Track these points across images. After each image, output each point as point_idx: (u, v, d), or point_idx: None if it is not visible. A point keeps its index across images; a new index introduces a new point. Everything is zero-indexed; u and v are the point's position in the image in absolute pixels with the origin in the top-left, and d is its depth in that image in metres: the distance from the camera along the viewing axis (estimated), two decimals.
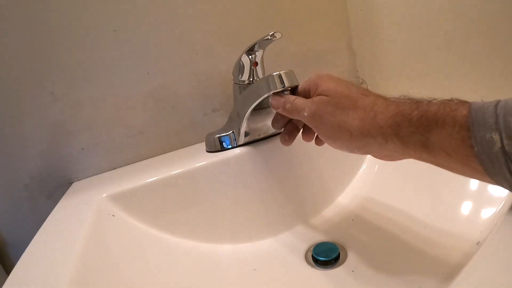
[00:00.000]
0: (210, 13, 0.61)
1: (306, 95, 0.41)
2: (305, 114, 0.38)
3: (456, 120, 0.26)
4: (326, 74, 0.39)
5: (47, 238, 0.38)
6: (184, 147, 0.63)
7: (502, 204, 0.40)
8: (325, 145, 0.55)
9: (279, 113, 0.45)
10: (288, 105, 0.41)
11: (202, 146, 0.57)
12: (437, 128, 0.27)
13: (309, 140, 0.46)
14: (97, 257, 0.36)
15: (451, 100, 0.28)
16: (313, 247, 0.47)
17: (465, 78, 0.56)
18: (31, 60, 0.51)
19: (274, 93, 0.44)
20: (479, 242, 0.38)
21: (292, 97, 0.41)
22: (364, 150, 0.35)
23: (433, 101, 0.29)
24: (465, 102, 0.27)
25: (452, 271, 0.37)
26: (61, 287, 0.28)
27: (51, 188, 0.56)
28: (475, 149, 0.25)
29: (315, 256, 0.45)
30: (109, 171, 0.58)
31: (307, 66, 0.71)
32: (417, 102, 0.30)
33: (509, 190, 0.26)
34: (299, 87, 0.43)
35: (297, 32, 0.69)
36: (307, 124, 0.40)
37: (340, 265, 0.44)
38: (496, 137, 0.24)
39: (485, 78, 0.53)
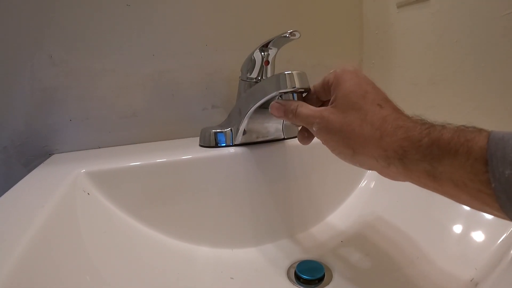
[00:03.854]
0: (227, 8, 0.59)
1: (326, 90, 0.39)
2: (314, 129, 0.37)
3: (471, 152, 0.24)
4: (351, 70, 0.37)
5: (9, 204, 0.34)
6: (176, 138, 0.60)
7: (503, 237, 0.38)
8: (324, 160, 0.53)
9: None
10: (290, 115, 0.39)
11: (196, 140, 0.55)
12: (448, 157, 0.26)
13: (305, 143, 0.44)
14: (59, 232, 0.32)
15: (467, 127, 0.26)
16: (297, 263, 0.44)
17: (474, 113, 0.54)
18: (34, 17, 0.50)
19: (277, 98, 0.42)
20: (473, 279, 0.36)
21: (294, 104, 0.39)
22: (365, 167, 0.35)
23: (448, 127, 0.27)
24: (483, 130, 0.25)
25: None
26: (10, 260, 0.24)
27: (29, 156, 0.54)
28: (492, 185, 0.23)
29: (298, 273, 0.42)
30: (94, 149, 0.56)
31: (313, 81, 0.69)
32: (429, 128, 0.28)
33: None
34: (323, 79, 0.40)
35: (310, 43, 0.67)
36: (316, 136, 0.39)
37: (324, 286, 0.41)
38: None
39: (495, 115, 0.52)
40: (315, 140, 0.41)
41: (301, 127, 0.43)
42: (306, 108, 0.38)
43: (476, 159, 0.24)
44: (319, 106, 0.38)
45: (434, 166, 0.27)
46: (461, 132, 0.26)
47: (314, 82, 0.41)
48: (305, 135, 0.43)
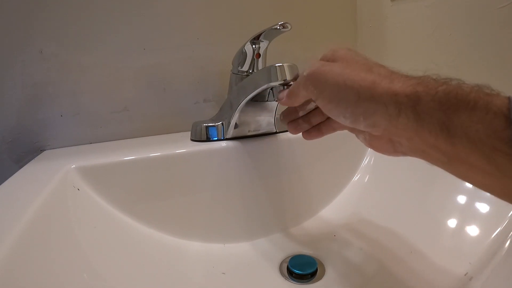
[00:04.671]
0: (219, 0, 0.59)
1: None
2: (304, 74, 0.33)
3: (491, 106, 0.22)
4: (346, 47, 0.35)
5: None
6: (168, 132, 0.60)
7: (497, 231, 0.37)
8: (317, 154, 0.53)
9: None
10: (288, 92, 0.37)
11: (187, 134, 0.54)
12: (466, 110, 0.23)
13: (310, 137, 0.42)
14: (49, 227, 0.32)
15: (482, 85, 0.24)
16: (290, 258, 0.44)
17: None
18: (24, 11, 0.49)
19: (268, 91, 0.42)
20: (467, 273, 0.35)
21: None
22: (370, 120, 0.29)
23: (464, 83, 0.25)
24: (499, 92, 0.24)
25: None
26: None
27: (20, 152, 0.53)
28: None
29: (291, 268, 0.41)
30: (85, 145, 0.55)
31: None
32: (446, 80, 0.26)
33: None
34: (321, 57, 0.37)
35: (304, 36, 0.67)
36: (305, 88, 0.34)
37: (317, 281, 0.40)
38: None
39: None
40: None
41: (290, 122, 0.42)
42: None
43: (496, 114, 0.22)
44: None
45: (449, 117, 0.24)
46: (480, 88, 0.24)
47: None
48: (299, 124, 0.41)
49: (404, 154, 0.31)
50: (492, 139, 0.22)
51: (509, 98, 0.22)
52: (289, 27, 0.43)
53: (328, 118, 0.39)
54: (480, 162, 0.24)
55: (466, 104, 0.23)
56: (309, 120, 0.41)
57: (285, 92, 0.38)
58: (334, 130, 0.40)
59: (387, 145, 0.32)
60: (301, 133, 0.42)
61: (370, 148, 0.35)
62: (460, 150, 0.25)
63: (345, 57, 0.32)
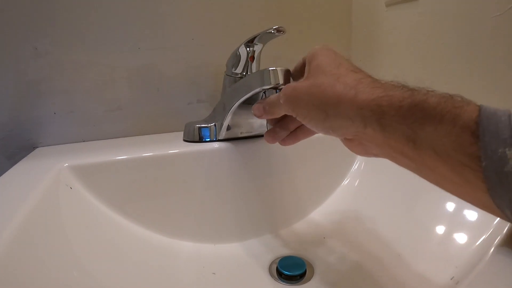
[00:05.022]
0: (215, 2, 0.59)
1: (302, 70, 0.37)
2: (281, 101, 0.35)
3: (458, 120, 0.22)
4: (326, 48, 0.35)
5: None
6: (161, 132, 0.60)
7: (483, 237, 0.38)
8: (307, 157, 0.53)
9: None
10: (266, 107, 0.39)
11: (180, 135, 0.54)
12: (432, 123, 0.23)
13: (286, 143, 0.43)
14: (41, 226, 0.32)
15: (453, 95, 0.24)
16: (279, 259, 0.44)
17: None
18: (19, 8, 0.49)
19: (261, 94, 0.43)
20: (453, 277, 0.36)
21: (268, 98, 0.40)
22: (340, 132, 0.31)
23: (433, 92, 0.25)
24: (471, 102, 0.23)
25: None
26: None
27: (13, 149, 0.53)
28: (483, 164, 0.21)
29: (280, 269, 0.42)
30: (78, 143, 0.55)
31: None
32: (412, 90, 0.26)
33: (507, 219, 0.22)
34: (297, 62, 0.40)
35: (299, 40, 0.67)
36: (285, 110, 0.36)
37: (305, 282, 0.41)
38: (510, 153, 0.20)
39: None
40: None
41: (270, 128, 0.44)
42: (274, 95, 0.38)
43: (463, 128, 0.22)
44: None
45: (415, 130, 0.24)
46: (448, 99, 0.23)
47: None
48: (276, 132, 0.43)
49: (376, 155, 0.32)
50: (459, 154, 0.22)
51: (480, 108, 0.22)
52: (284, 32, 0.44)
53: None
54: (448, 173, 0.24)
55: (432, 118, 0.23)
56: (287, 126, 0.42)
57: (260, 108, 0.40)
58: (310, 134, 0.42)
59: (359, 147, 0.33)
60: None
61: (346, 147, 0.36)
62: (428, 161, 0.25)
63: (315, 69, 0.33)
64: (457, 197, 0.26)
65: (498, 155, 0.20)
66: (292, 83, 0.35)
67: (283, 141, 0.43)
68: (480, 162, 0.21)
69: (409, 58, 0.62)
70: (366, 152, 0.33)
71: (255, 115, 0.42)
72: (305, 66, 0.36)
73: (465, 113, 0.22)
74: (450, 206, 0.43)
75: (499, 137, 0.20)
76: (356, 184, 0.56)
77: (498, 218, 0.36)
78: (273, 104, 0.38)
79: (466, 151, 0.22)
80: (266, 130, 0.52)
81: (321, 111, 0.31)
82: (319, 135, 0.39)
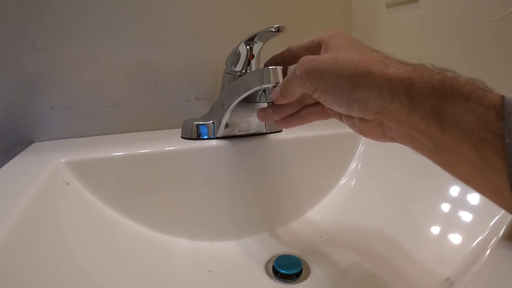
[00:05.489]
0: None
1: (313, 49, 0.36)
2: (297, 73, 0.33)
3: (484, 99, 0.23)
4: (342, 31, 0.34)
5: None
6: (158, 129, 0.60)
7: (479, 239, 0.38)
8: (305, 156, 0.53)
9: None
10: (282, 86, 0.36)
11: (178, 132, 0.54)
12: (459, 100, 0.24)
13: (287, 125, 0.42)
14: (38, 222, 0.32)
15: (478, 81, 0.25)
16: (276, 258, 0.44)
17: None
18: (18, 2, 0.48)
19: (260, 93, 0.42)
20: (448, 278, 0.36)
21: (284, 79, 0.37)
22: (363, 105, 0.29)
23: (458, 74, 0.26)
24: (493, 89, 0.24)
25: None
26: None
27: (9, 144, 0.53)
28: (506, 141, 0.22)
29: (276, 267, 0.42)
30: (75, 138, 0.55)
31: None
32: (442, 69, 0.26)
33: None
34: (303, 41, 0.38)
35: (298, 38, 0.66)
36: (301, 86, 0.33)
37: (301, 281, 0.41)
38: None
39: None
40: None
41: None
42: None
43: (488, 107, 0.23)
44: None
45: (443, 105, 0.25)
46: (474, 82, 0.25)
47: None
48: (271, 112, 0.41)
49: (393, 139, 0.31)
50: (482, 130, 0.23)
51: (503, 96, 0.23)
52: (284, 31, 0.44)
53: (300, 110, 0.41)
54: (467, 152, 0.24)
55: (460, 95, 0.24)
56: (281, 111, 0.41)
57: (277, 91, 0.38)
58: (307, 121, 0.41)
59: (376, 129, 0.32)
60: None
61: (359, 133, 0.34)
62: (449, 138, 0.25)
63: (337, 46, 0.32)
64: (467, 183, 0.27)
65: None
66: (309, 56, 0.32)
67: (276, 123, 0.42)
68: (503, 140, 0.22)
69: (408, 59, 0.62)
70: (383, 135, 0.32)
71: (273, 101, 0.39)
72: (315, 46, 0.35)
73: (491, 95, 0.23)
74: (446, 207, 0.43)
75: None
76: (352, 184, 0.56)
77: (495, 219, 0.37)
78: (289, 81, 0.35)
79: (490, 128, 0.23)
80: (265, 129, 0.52)
81: (348, 81, 0.29)
82: (316, 131, 0.39)
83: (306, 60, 0.32)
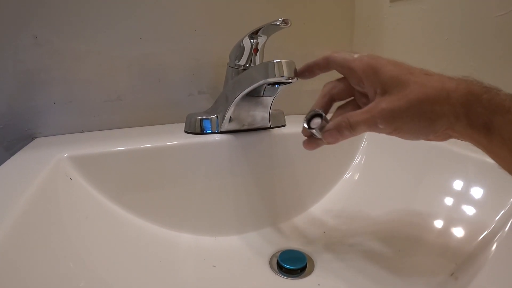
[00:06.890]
0: None
1: (357, 80, 0.36)
2: (380, 127, 0.33)
3: None
4: (376, 56, 0.35)
5: None
6: (161, 123, 0.59)
7: (484, 234, 0.38)
8: (308, 153, 0.53)
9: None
10: (347, 132, 0.35)
11: (181, 126, 0.54)
12: (501, 113, 0.28)
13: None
14: (40, 217, 0.32)
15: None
16: (280, 253, 0.44)
17: None
18: None
19: (265, 87, 0.42)
20: (453, 273, 0.36)
21: (342, 120, 0.35)
22: (438, 133, 0.32)
23: (500, 91, 0.30)
24: None
25: None
26: None
27: (11, 139, 0.52)
28: None
29: (281, 262, 0.42)
30: (77, 133, 0.54)
31: None
32: (486, 85, 0.30)
33: None
34: (350, 67, 0.36)
35: (301, 33, 0.67)
36: (381, 132, 0.34)
37: (306, 276, 0.41)
38: None
39: None
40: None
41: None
42: (358, 115, 0.34)
43: None
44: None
45: (491, 119, 0.29)
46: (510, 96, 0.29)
47: None
48: (312, 141, 0.41)
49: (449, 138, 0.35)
50: None
51: None
52: (289, 24, 0.43)
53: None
54: (509, 155, 0.29)
55: (502, 108, 0.28)
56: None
57: (333, 133, 0.36)
58: None
59: (436, 136, 0.34)
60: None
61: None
62: (495, 144, 0.29)
63: (393, 82, 0.33)
64: None
65: None
66: (378, 105, 0.33)
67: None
68: None
69: (412, 54, 0.62)
70: (443, 138, 0.34)
71: (329, 143, 0.37)
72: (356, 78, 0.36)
73: None
74: (451, 201, 0.43)
75: None
76: (356, 178, 0.56)
77: (500, 214, 0.37)
78: (362, 126, 0.34)
79: None
80: (269, 123, 0.52)
81: (426, 119, 0.31)
82: None
83: (384, 113, 0.32)
